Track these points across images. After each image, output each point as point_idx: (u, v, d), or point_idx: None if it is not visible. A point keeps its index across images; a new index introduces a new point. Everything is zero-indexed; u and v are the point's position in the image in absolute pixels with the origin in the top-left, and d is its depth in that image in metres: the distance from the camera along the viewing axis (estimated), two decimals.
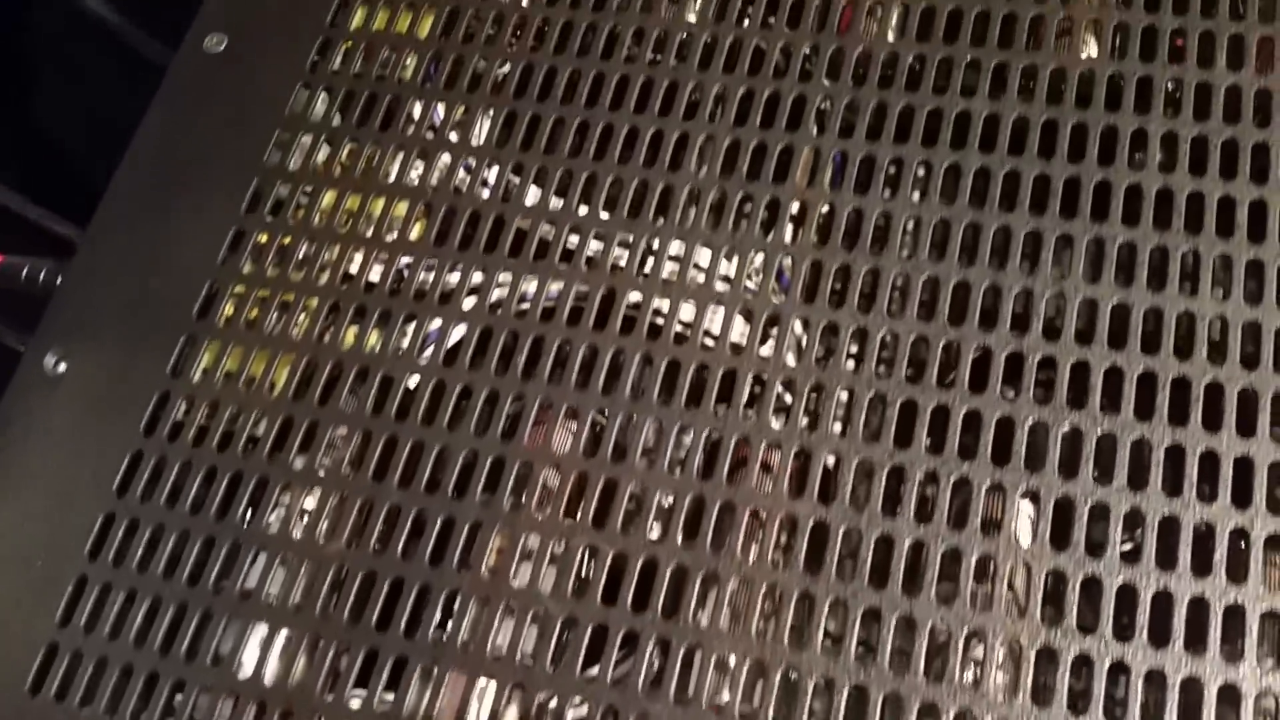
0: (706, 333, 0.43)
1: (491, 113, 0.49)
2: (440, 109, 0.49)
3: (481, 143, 0.48)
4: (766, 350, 0.42)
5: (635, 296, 0.44)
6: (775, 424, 0.41)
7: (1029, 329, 0.41)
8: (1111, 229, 0.42)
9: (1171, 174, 0.43)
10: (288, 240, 0.47)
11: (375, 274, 0.46)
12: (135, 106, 0.63)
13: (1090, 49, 0.47)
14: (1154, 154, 0.43)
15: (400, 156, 0.48)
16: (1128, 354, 0.40)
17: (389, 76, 0.50)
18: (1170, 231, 0.42)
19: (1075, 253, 0.42)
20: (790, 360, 0.42)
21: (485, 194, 0.47)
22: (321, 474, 0.42)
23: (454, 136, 0.49)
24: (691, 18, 0.49)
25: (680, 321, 0.43)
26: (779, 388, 0.41)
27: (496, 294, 0.45)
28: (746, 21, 0.49)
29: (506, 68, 0.50)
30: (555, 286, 0.45)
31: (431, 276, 0.45)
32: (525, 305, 0.44)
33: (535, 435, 0.42)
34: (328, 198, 0.48)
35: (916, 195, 0.44)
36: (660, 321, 0.43)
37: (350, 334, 0.45)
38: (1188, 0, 0.46)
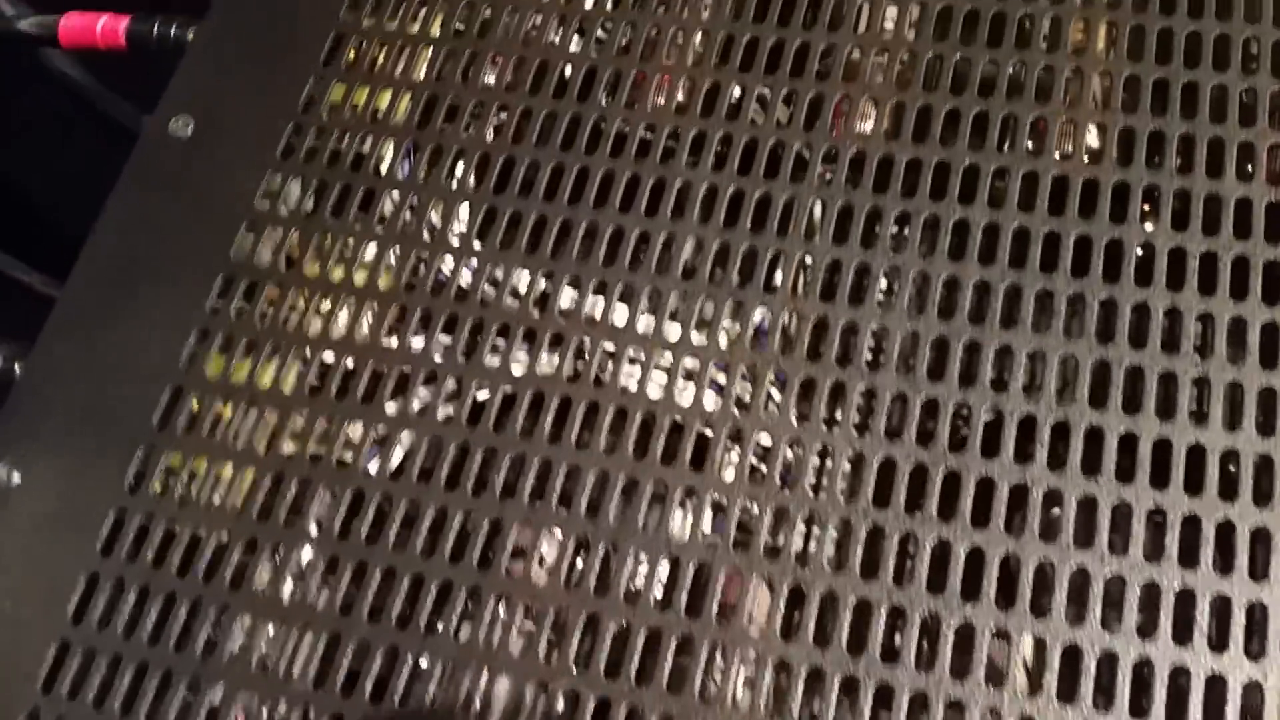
0: (694, 450, 0.41)
1: (470, 206, 0.47)
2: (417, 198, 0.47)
3: (463, 229, 0.46)
4: (759, 433, 0.41)
5: (620, 406, 0.42)
6: (767, 557, 0.39)
7: (1032, 458, 0.39)
8: (1117, 351, 0.40)
9: (1179, 292, 0.41)
10: (254, 341, 0.45)
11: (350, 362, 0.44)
12: (106, 166, 0.61)
13: (1092, 138, 0.45)
14: (1160, 269, 0.42)
15: (374, 249, 0.46)
16: (1136, 488, 0.38)
17: (364, 166, 0.48)
18: (1178, 355, 0.40)
19: (1080, 375, 0.40)
20: (781, 484, 0.40)
21: (467, 277, 0.45)
22: (285, 602, 0.40)
23: (434, 217, 0.46)
24: (679, 108, 0.47)
25: (667, 430, 0.41)
26: (770, 517, 0.39)
27: (478, 384, 0.43)
28: (736, 116, 0.47)
29: (489, 143, 0.47)
30: (532, 391, 0.43)
31: (408, 370, 0.43)
32: (511, 389, 0.42)
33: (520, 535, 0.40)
34: (298, 296, 0.46)
35: (912, 307, 0.42)
36: (646, 434, 0.41)
37: (319, 428, 0.43)
38: (1195, 104, 0.44)
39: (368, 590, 0.40)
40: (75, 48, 0.61)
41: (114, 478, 0.43)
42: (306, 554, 0.41)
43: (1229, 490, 0.38)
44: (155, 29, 0.57)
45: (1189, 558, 0.37)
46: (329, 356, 0.44)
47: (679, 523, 0.40)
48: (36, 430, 0.44)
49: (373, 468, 0.42)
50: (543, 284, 0.44)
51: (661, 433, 0.41)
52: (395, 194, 0.47)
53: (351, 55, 0.51)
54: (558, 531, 0.40)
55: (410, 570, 0.40)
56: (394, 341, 0.44)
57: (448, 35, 0.51)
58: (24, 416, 0.45)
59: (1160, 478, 0.38)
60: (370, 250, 0.46)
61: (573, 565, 0.40)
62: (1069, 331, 0.41)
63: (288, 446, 0.43)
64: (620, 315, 0.44)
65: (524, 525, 0.40)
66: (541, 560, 0.40)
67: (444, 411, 0.43)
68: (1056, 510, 0.38)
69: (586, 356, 0.43)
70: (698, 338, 0.43)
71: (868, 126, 0.46)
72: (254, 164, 0.49)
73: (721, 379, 0.42)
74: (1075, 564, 0.37)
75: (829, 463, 0.40)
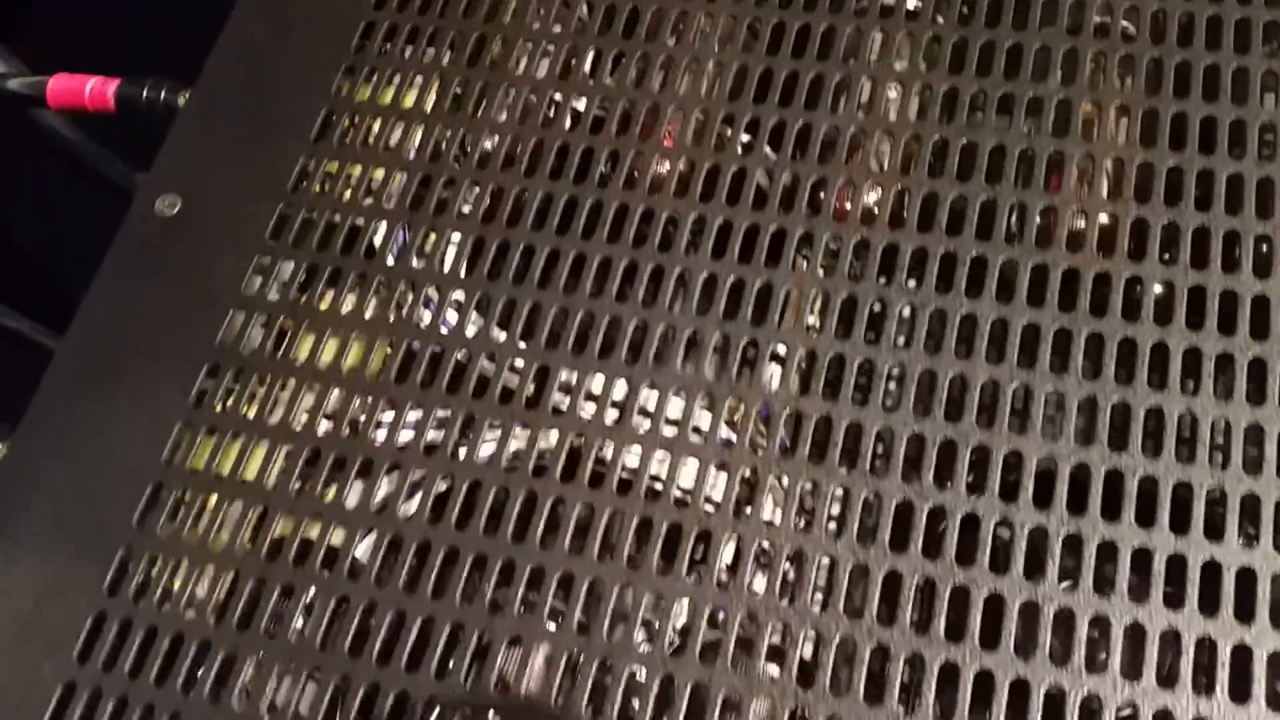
0: (690, 558, 0.40)
1: (463, 293, 0.45)
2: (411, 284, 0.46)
3: (455, 315, 0.45)
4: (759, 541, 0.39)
5: (616, 508, 0.40)
6: (772, 669, 0.37)
7: (1044, 574, 0.38)
8: (1131, 460, 0.39)
9: (1194, 397, 0.40)
10: (239, 432, 0.43)
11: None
12: (95, 214, 0.60)
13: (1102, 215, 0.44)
14: (1175, 371, 0.40)
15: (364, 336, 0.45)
16: (1150, 608, 0.37)
17: (355, 249, 0.47)
18: (1194, 466, 0.39)
19: (1092, 486, 0.39)
20: (781, 598, 0.38)
21: (461, 351, 0.44)
22: (266, 716, 0.39)
23: (427, 301, 0.45)
24: (679, 188, 0.46)
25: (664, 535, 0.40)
26: (770, 634, 0.38)
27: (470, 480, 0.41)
28: (736, 200, 0.45)
29: (483, 226, 0.46)
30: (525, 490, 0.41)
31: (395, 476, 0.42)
32: (502, 485, 0.41)
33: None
34: (285, 384, 0.44)
35: (917, 408, 0.41)
36: (641, 539, 0.40)
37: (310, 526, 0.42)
38: (1210, 193, 0.43)
39: (350, 707, 0.38)
40: (64, 109, 0.60)
41: (93, 579, 0.42)
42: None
43: (1245, 612, 0.36)
44: (145, 93, 0.56)
45: (1204, 682, 0.36)
46: (315, 448, 0.43)
47: (674, 637, 0.39)
48: (15, 527, 0.43)
49: (362, 550, 0.41)
50: (536, 369, 0.43)
51: (658, 539, 0.40)
52: (387, 278, 0.46)
53: (344, 130, 0.50)
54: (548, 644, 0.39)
55: (395, 687, 0.38)
56: (384, 423, 0.43)
57: (441, 111, 0.49)
58: (3, 512, 0.44)
59: (1175, 597, 0.37)
60: (360, 337, 0.45)
61: (563, 684, 0.38)
62: (1081, 438, 0.39)
63: (278, 529, 0.42)
64: (616, 409, 0.42)
65: (514, 638, 0.39)
66: (533, 665, 0.39)
67: (440, 486, 0.41)
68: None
69: (581, 453, 0.41)
70: (696, 436, 0.41)
71: (871, 198, 0.45)
72: (242, 245, 0.47)
73: (721, 480, 0.41)
74: (1088, 689, 0.36)
75: (832, 575, 0.39)
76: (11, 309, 0.77)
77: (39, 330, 0.77)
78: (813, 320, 0.43)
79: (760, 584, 0.39)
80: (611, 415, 0.42)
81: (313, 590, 0.40)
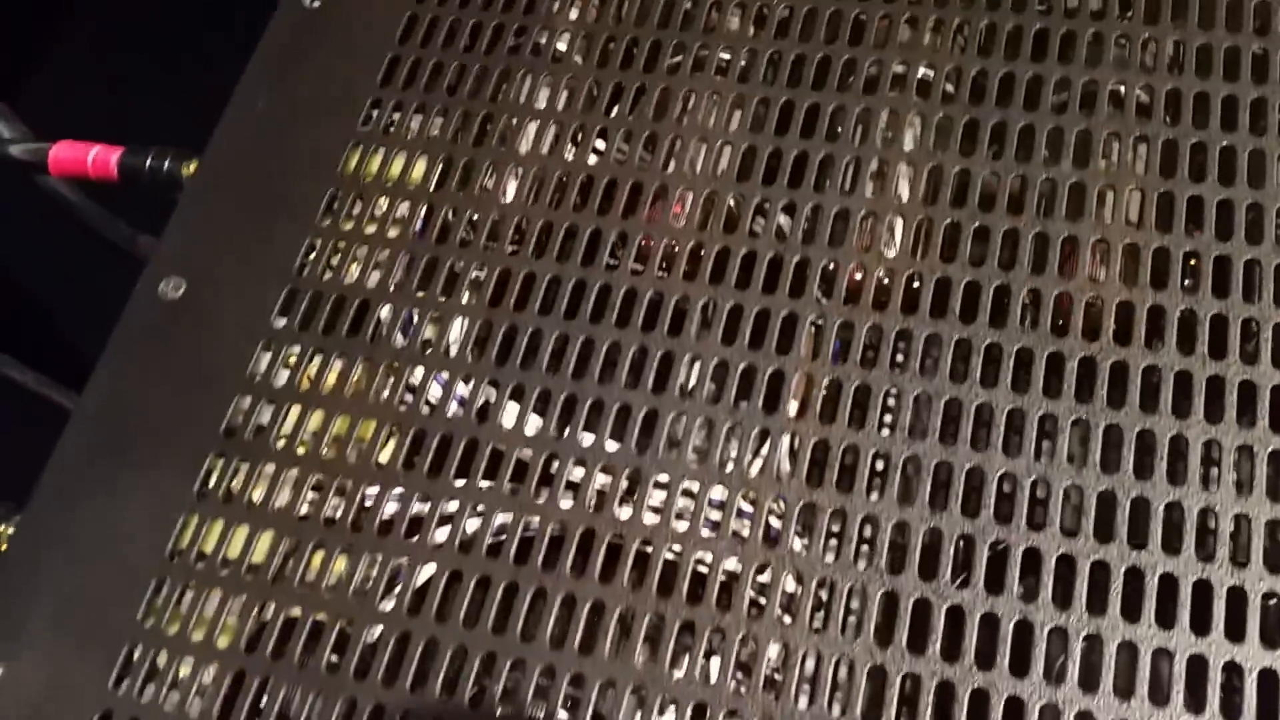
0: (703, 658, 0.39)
1: (471, 377, 0.45)
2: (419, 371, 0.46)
3: (465, 398, 0.44)
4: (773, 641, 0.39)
5: (628, 606, 0.40)
6: None
7: (1065, 678, 0.37)
8: (1151, 557, 0.38)
9: (1212, 493, 0.39)
10: (246, 520, 0.43)
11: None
12: (105, 268, 0.60)
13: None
14: (1194, 466, 0.40)
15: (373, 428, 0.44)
16: (1170, 711, 0.36)
17: (362, 332, 0.46)
18: (1214, 564, 0.38)
19: (1112, 583, 0.38)
20: (796, 699, 0.38)
21: (468, 438, 0.43)
22: None
23: (433, 387, 0.45)
24: (687, 273, 0.46)
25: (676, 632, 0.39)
26: None
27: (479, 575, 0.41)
28: (746, 284, 0.45)
29: (490, 309, 0.46)
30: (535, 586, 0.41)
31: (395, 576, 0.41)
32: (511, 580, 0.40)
33: None
34: (290, 475, 0.44)
35: (933, 501, 0.40)
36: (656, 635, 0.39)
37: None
38: (1228, 284, 0.42)
39: None
40: (66, 177, 0.60)
41: (98, 673, 0.41)
42: None
43: (1269, 712, 0.36)
44: (148, 162, 0.56)
45: None
46: (320, 539, 0.42)
47: None
48: (20, 617, 0.42)
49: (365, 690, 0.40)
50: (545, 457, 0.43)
51: (671, 635, 0.39)
52: (394, 361, 0.45)
53: (350, 208, 0.49)
54: None
55: None
56: (390, 508, 0.42)
57: (448, 189, 0.49)
58: (7, 605, 0.43)
59: (1196, 702, 0.36)
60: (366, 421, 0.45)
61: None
62: (1100, 535, 0.39)
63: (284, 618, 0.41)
64: (625, 496, 0.42)
65: None
66: None
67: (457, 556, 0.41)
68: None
69: (591, 543, 0.41)
70: (709, 526, 0.41)
71: (883, 276, 0.44)
72: (248, 328, 0.47)
73: (734, 569, 0.40)
74: None
75: (848, 677, 0.38)
76: (15, 360, 0.77)
77: (44, 382, 0.76)
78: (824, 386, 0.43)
79: (776, 685, 0.38)
80: (621, 501, 0.41)
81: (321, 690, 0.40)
